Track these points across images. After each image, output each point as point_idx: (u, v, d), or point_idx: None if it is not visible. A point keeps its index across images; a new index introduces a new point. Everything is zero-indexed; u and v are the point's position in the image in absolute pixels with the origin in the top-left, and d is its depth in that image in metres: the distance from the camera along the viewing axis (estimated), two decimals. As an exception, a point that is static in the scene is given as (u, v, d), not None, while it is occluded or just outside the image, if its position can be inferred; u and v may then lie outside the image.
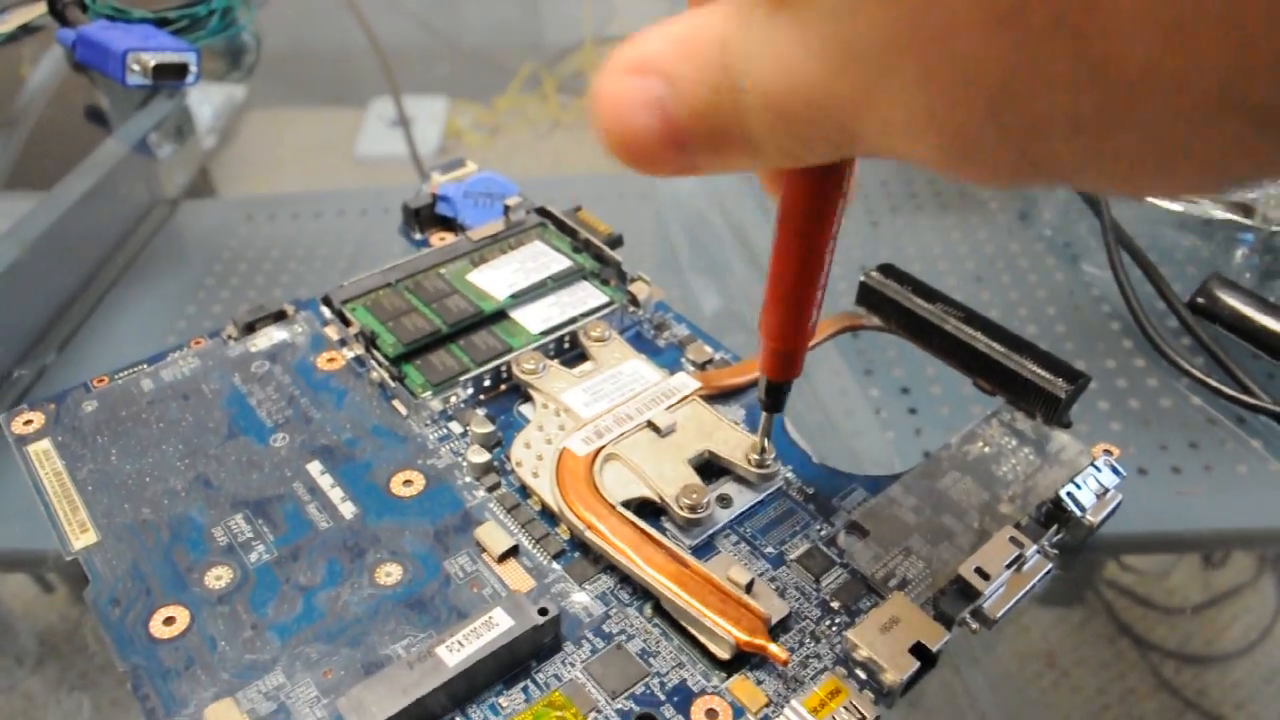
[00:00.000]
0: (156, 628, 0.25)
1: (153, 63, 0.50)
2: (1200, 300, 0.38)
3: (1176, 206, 0.44)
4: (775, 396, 0.25)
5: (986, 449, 0.30)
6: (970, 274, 0.43)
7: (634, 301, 0.34)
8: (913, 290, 0.33)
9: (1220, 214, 0.44)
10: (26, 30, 0.59)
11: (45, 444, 0.29)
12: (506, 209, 0.37)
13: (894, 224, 0.47)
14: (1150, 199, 0.44)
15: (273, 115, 0.62)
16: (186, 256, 0.46)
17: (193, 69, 0.51)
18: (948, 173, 0.13)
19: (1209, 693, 0.29)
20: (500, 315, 0.33)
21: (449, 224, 0.39)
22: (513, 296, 0.34)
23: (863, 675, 0.24)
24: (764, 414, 0.27)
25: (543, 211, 0.37)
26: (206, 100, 0.58)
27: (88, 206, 0.49)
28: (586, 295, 0.34)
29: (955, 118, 0.12)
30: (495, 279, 0.34)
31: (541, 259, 0.35)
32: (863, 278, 0.33)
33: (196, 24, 0.58)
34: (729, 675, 0.24)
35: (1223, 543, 0.33)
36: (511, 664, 0.24)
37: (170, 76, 0.51)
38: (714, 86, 0.14)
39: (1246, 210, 0.43)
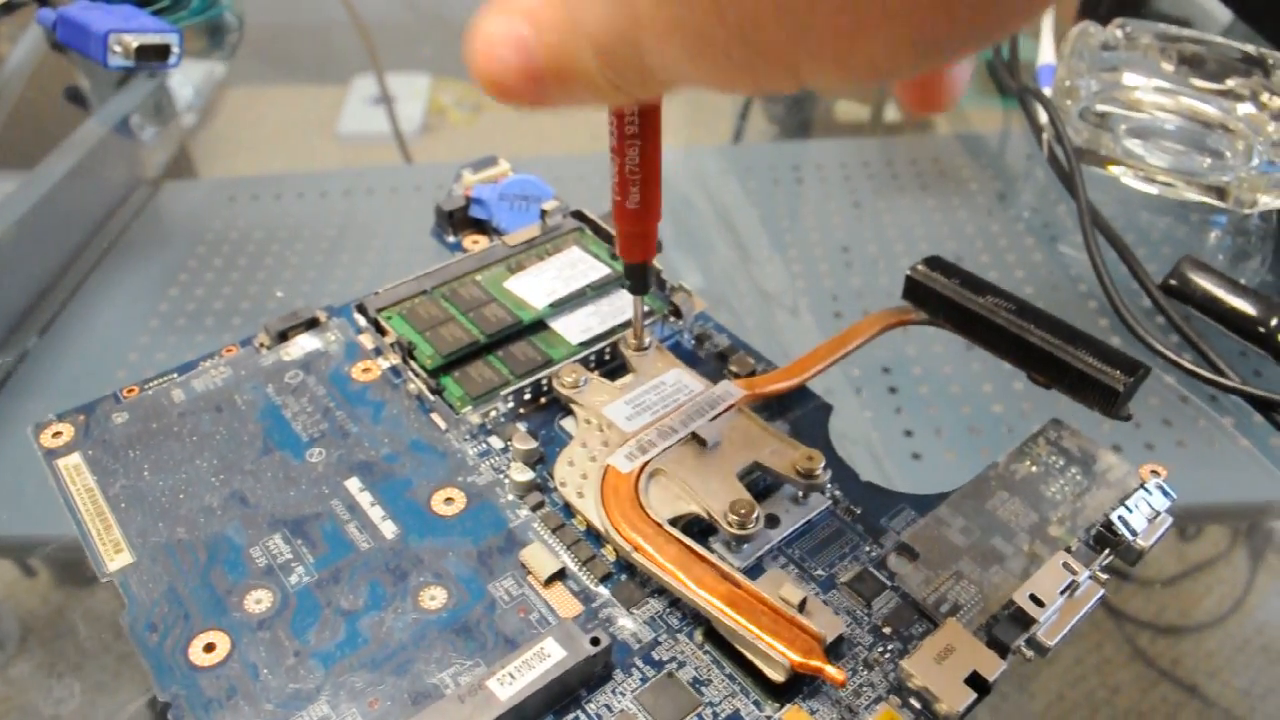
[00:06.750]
0: (196, 655, 0.24)
1: (135, 44, 0.49)
2: (1173, 282, 0.38)
3: (1153, 190, 0.45)
4: (637, 279, 0.28)
5: (1034, 468, 0.30)
6: (951, 254, 0.43)
7: (676, 313, 0.33)
8: (961, 283, 0.31)
9: (1194, 197, 0.44)
10: (5, 9, 0.57)
11: (75, 458, 0.29)
12: (543, 213, 0.36)
13: (876, 205, 0.47)
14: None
15: (253, 93, 0.61)
16: (169, 239, 0.46)
17: (175, 50, 0.50)
18: (713, 83, 0.16)
19: (1183, 662, 0.29)
20: (539, 325, 0.33)
21: (482, 226, 0.38)
22: (551, 306, 0.33)
23: (917, 705, 0.24)
24: (634, 299, 0.30)
25: (579, 215, 0.36)
26: (186, 79, 0.57)
27: (68, 188, 0.48)
28: (626, 304, 0.33)
29: (694, 22, 0.15)
30: (533, 287, 0.33)
31: (579, 266, 0.34)
32: (909, 272, 0.32)
33: (179, 4, 0.56)
34: (782, 705, 0.24)
35: (1195, 517, 0.33)
36: (561, 694, 0.24)
37: (152, 58, 0.50)
38: (562, 30, 0.17)
39: (1220, 193, 0.43)
